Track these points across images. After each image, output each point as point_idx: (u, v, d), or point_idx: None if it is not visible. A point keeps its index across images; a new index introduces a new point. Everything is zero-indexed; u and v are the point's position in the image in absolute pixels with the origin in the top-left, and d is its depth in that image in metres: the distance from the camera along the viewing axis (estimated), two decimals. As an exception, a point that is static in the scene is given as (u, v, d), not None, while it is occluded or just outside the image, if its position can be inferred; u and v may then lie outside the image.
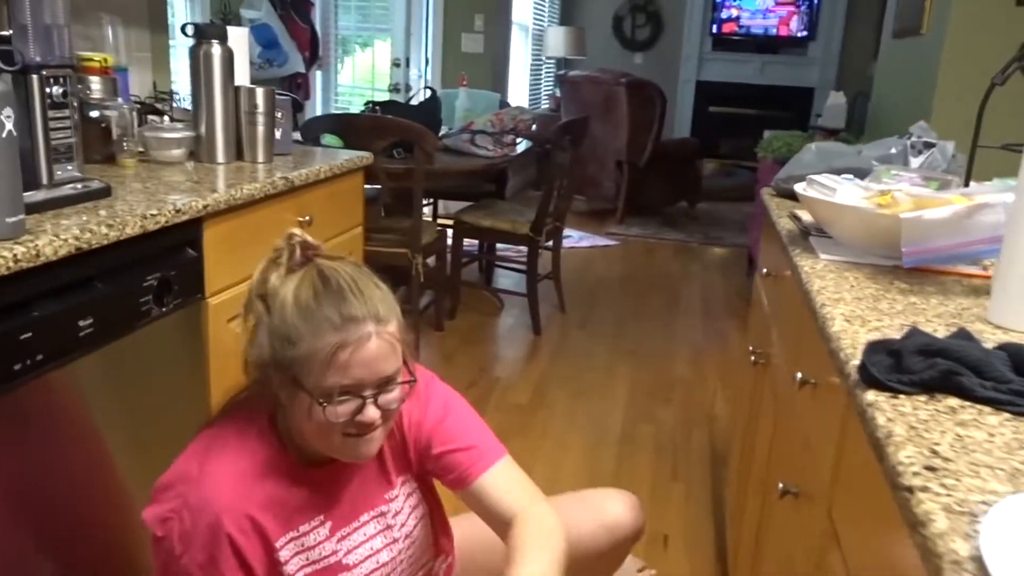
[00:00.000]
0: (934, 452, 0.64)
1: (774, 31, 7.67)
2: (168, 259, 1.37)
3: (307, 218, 1.80)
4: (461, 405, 1.20)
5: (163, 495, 1.02)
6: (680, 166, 6.14)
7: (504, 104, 4.56)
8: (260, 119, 1.82)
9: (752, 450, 1.65)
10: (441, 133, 3.65)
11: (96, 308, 1.19)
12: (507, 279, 4.29)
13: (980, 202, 1.06)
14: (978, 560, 0.49)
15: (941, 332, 0.91)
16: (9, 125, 1.03)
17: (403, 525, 1.16)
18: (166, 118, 1.91)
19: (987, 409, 0.73)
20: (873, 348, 0.79)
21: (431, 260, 3.38)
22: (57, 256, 1.08)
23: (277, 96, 1.92)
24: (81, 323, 1.17)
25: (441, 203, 4.64)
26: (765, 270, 1.79)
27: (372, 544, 1.13)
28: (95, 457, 1.27)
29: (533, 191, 4.22)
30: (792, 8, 7.57)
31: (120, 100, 1.72)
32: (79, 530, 1.24)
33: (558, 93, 6.50)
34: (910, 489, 0.59)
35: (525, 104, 6.82)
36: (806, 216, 1.49)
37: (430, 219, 4.04)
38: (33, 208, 1.20)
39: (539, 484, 1.17)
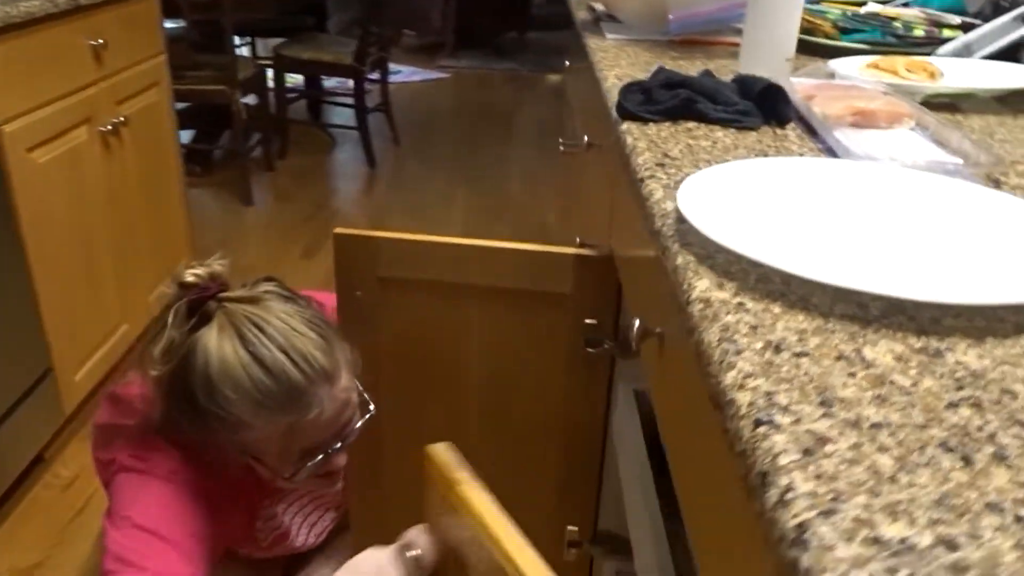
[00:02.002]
0: (666, 155, 0.77)
1: None
2: (-54, 82, 1.29)
3: (100, 41, 1.70)
4: None
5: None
6: (507, -6, 6.06)
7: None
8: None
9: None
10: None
11: None
12: (337, 116, 4.20)
13: (737, -32, 1.17)
14: (677, 210, 0.62)
15: (696, 81, 1.03)
16: None
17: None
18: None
19: (718, 128, 0.86)
20: (628, 88, 0.90)
21: (252, 99, 3.27)
22: None
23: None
24: None
25: (261, 44, 4.42)
26: (567, 64, 1.88)
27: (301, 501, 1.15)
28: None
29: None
30: None
31: None
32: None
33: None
34: (642, 179, 0.71)
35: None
36: (599, 6, 1.58)
37: (248, 57, 3.85)
38: None
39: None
